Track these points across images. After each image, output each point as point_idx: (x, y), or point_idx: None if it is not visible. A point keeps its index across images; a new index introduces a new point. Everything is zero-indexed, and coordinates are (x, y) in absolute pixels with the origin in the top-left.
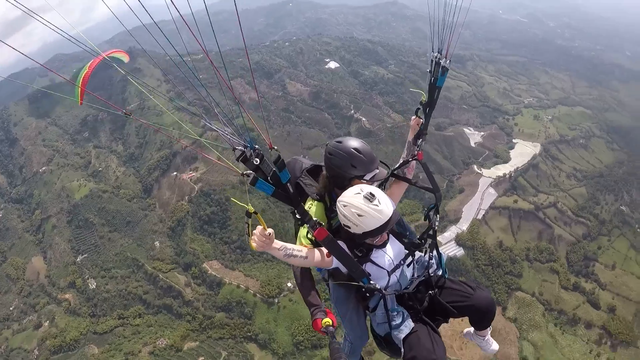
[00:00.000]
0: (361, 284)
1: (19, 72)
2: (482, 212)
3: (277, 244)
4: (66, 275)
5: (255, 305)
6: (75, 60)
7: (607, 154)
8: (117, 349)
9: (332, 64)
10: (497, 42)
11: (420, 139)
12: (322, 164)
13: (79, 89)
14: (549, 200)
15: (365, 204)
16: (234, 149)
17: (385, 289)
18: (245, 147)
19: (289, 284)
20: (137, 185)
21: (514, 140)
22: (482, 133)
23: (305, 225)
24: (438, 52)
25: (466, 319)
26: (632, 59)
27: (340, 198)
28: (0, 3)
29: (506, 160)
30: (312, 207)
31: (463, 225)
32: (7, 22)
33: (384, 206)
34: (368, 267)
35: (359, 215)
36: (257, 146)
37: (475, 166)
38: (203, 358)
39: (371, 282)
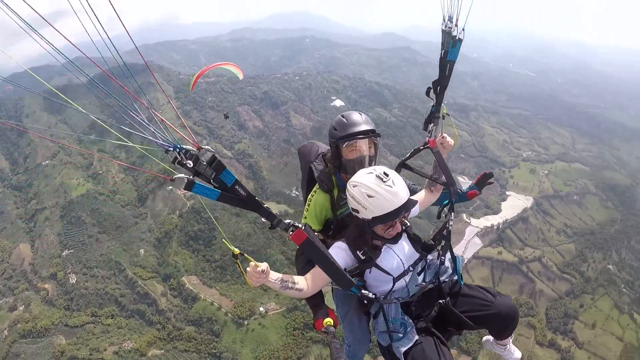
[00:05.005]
0: (351, 292)
1: (40, 67)
2: (465, 261)
3: (273, 276)
4: (49, 267)
5: (225, 324)
6: (94, 64)
7: (600, 211)
8: (83, 344)
9: (338, 102)
10: (504, 94)
11: (432, 124)
12: None
13: (193, 81)
14: (534, 255)
15: (377, 184)
16: (166, 152)
17: (386, 297)
18: (174, 148)
19: (261, 309)
20: (133, 194)
21: (507, 192)
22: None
23: (277, 229)
24: (449, 21)
25: None
26: (636, 118)
27: (351, 179)
28: None
29: (496, 211)
30: (314, 194)
31: None
32: (37, 17)
33: (399, 188)
34: (372, 272)
35: (369, 196)
36: (189, 147)
37: (464, 215)
38: None
39: (363, 291)
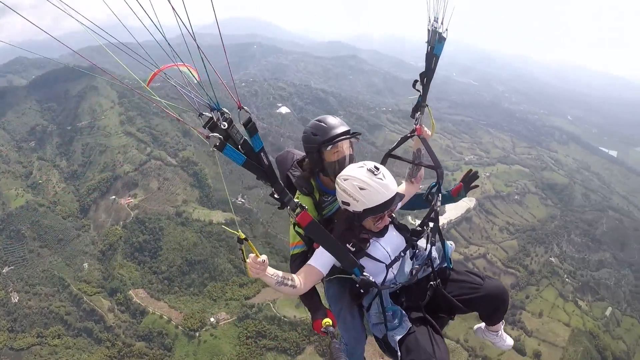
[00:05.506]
0: (354, 276)
1: None
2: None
3: (270, 271)
4: None
5: (176, 337)
6: (36, 66)
7: (540, 209)
8: None
9: (284, 109)
10: (447, 102)
11: (419, 112)
12: None
13: (149, 78)
14: (479, 252)
15: (369, 177)
16: (200, 115)
17: (381, 284)
18: (212, 110)
19: (212, 319)
20: (75, 204)
21: None
22: (421, 186)
23: (285, 208)
24: (435, 21)
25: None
26: (572, 123)
27: (341, 173)
28: None
29: (441, 212)
30: (298, 200)
31: None
32: None
33: (389, 181)
34: (363, 262)
35: (361, 189)
36: (225, 109)
37: (409, 217)
38: None
39: (364, 273)
